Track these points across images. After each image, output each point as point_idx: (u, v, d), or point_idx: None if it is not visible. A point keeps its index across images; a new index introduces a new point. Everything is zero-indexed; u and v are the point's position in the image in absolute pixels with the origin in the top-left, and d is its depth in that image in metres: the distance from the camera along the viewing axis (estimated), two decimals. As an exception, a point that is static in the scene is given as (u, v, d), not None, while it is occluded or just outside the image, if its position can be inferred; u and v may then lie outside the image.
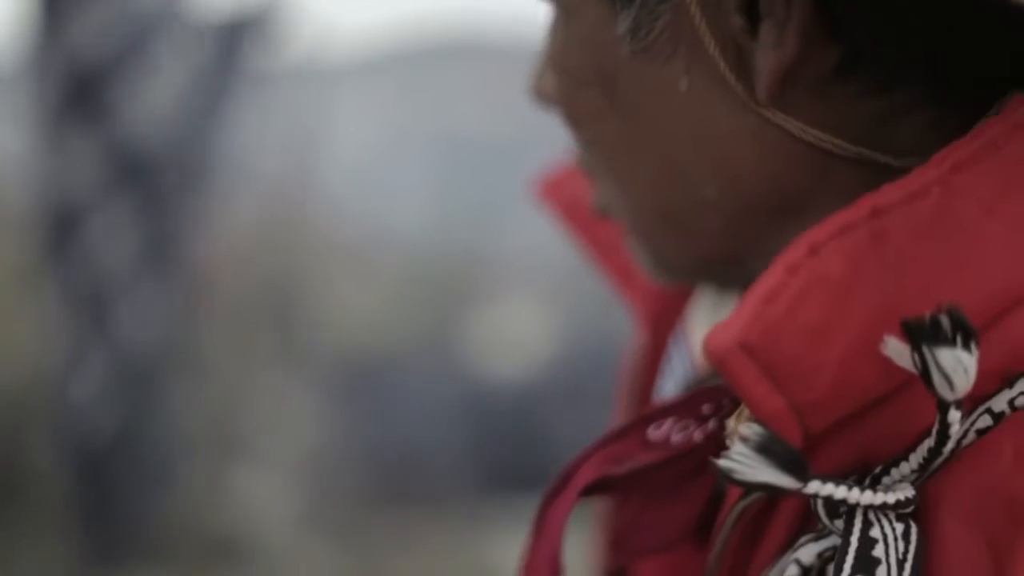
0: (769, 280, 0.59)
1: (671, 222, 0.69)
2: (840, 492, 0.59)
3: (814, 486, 0.58)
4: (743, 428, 0.58)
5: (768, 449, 0.58)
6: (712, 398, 0.68)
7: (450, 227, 6.20)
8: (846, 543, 0.59)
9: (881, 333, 0.58)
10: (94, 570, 3.66)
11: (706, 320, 0.77)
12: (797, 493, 0.59)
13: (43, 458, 3.79)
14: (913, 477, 0.60)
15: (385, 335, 4.88)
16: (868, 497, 0.59)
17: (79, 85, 3.62)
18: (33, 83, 3.72)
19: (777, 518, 0.65)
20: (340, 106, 6.01)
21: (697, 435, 0.68)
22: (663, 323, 0.82)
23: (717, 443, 0.66)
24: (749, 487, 0.59)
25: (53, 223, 3.67)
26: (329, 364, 4.76)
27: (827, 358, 0.58)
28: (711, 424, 0.68)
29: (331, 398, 4.61)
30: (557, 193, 0.85)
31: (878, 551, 0.58)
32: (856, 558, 0.58)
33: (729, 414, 0.66)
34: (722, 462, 0.58)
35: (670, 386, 0.78)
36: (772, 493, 0.60)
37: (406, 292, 5.07)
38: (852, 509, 0.59)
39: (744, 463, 0.58)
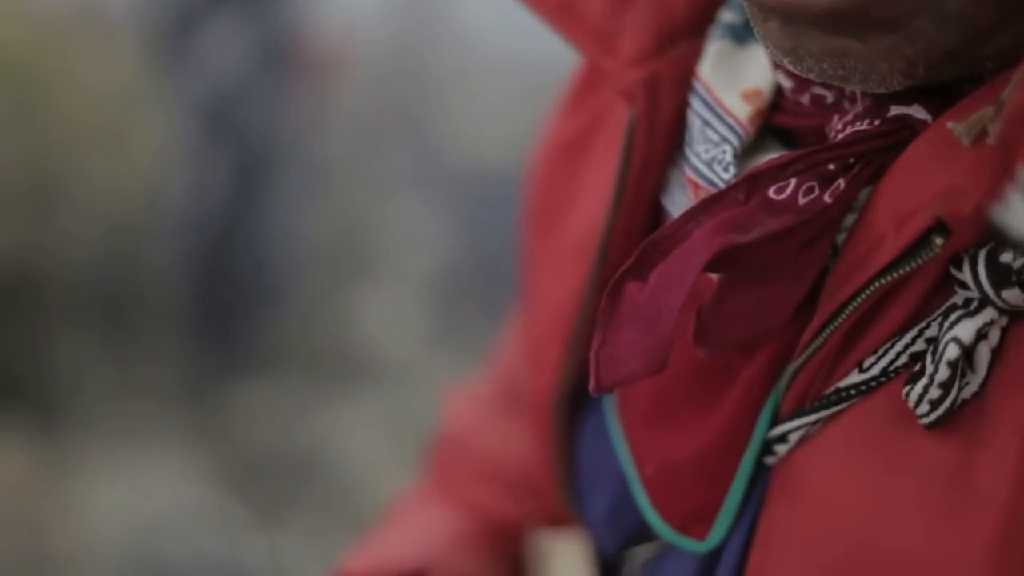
0: None
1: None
2: None
3: None
4: None
5: None
6: (837, 156, 0.61)
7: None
8: None
9: None
10: (212, 382, 3.67)
11: (724, 78, 0.69)
12: None
13: (162, 270, 3.79)
14: None
15: (514, 154, 4.81)
16: None
17: None
18: None
19: (903, 297, 0.58)
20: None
21: (827, 197, 0.60)
22: (661, 89, 0.72)
23: (847, 204, 0.60)
24: None
25: (164, 33, 3.63)
26: (456, 181, 4.70)
27: None
28: (841, 183, 0.60)
29: (457, 215, 4.57)
30: None
31: None
32: None
33: (861, 174, 0.60)
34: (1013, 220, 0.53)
35: (708, 150, 0.68)
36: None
37: (537, 112, 4.98)
38: None
39: None
